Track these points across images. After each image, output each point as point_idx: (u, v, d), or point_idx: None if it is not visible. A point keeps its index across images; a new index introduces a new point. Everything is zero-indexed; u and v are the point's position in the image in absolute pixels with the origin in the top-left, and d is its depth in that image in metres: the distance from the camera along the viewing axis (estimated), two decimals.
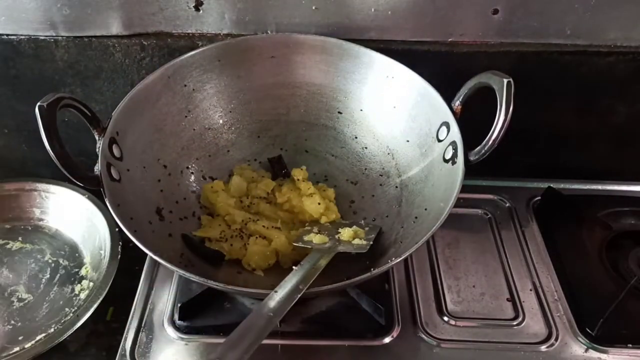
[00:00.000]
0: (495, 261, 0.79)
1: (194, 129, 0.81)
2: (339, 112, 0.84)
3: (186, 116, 0.80)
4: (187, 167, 0.80)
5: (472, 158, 0.65)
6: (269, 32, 0.81)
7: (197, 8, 0.79)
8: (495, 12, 0.78)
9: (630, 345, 0.69)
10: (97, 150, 0.65)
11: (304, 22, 0.80)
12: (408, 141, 0.77)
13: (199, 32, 0.82)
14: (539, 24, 0.79)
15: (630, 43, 0.81)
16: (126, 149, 0.69)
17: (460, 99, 0.69)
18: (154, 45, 0.82)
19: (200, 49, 0.78)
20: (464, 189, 0.63)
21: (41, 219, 0.86)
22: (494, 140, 0.63)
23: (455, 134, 0.67)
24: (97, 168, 0.64)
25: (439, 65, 0.76)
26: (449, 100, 0.70)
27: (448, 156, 0.68)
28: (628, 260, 0.76)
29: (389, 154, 0.80)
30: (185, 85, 0.78)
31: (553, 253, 0.80)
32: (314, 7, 0.79)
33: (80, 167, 0.62)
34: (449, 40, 0.81)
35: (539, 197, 0.88)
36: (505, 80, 0.62)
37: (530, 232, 0.83)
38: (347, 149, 0.84)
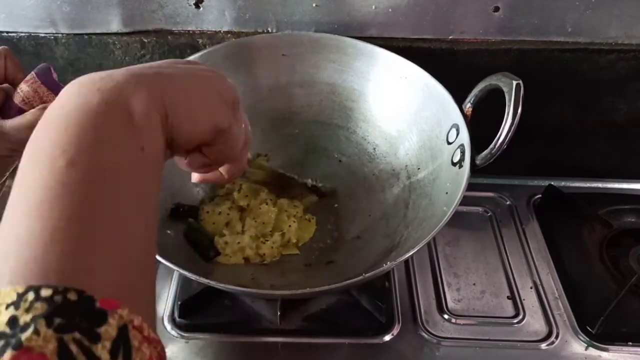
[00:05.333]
0: (495, 259, 0.79)
1: None
2: (352, 112, 0.83)
3: None
4: None
5: (478, 162, 0.65)
6: (269, 29, 0.81)
7: (197, 5, 0.79)
8: (496, 9, 0.78)
9: (631, 344, 0.69)
10: None
11: (304, 20, 0.80)
12: (418, 142, 0.77)
13: (199, 29, 0.82)
14: (540, 22, 0.79)
15: (632, 41, 0.80)
16: None
17: (471, 101, 0.68)
18: (154, 43, 0.82)
19: (214, 47, 0.78)
20: None
21: None
22: (501, 144, 0.63)
23: (465, 137, 0.67)
24: None
25: (439, 63, 0.76)
26: (456, 101, 0.69)
27: (456, 159, 0.68)
28: (628, 258, 0.76)
29: (399, 155, 0.80)
30: None
31: (553, 251, 0.80)
32: (314, 5, 0.78)
33: None
34: (450, 37, 0.81)
35: (540, 195, 0.88)
36: (515, 82, 0.62)
37: (531, 230, 0.83)
38: (359, 149, 0.83)
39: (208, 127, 0.40)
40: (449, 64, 0.81)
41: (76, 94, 0.33)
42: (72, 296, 0.26)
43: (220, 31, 0.82)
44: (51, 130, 0.32)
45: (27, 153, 0.32)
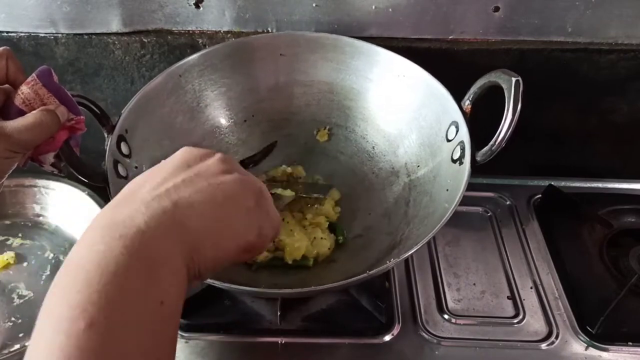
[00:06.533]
0: (495, 259, 0.79)
1: (205, 127, 0.81)
2: (350, 111, 0.83)
3: (197, 114, 0.80)
4: None
5: (479, 159, 0.65)
6: (269, 29, 0.81)
7: (197, 5, 0.79)
8: (496, 9, 0.78)
9: (631, 344, 0.69)
10: (105, 147, 0.66)
11: (304, 19, 0.80)
12: (418, 140, 0.77)
13: (199, 29, 0.82)
14: (540, 22, 0.79)
15: (632, 41, 0.80)
16: (135, 146, 0.69)
17: (470, 98, 0.68)
18: (154, 43, 0.82)
19: (211, 48, 0.78)
20: None
21: (41, 215, 0.86)
22: (501, 140, 0.63)
23: (464, 134, 0.67)
24: (104, 165, 0.64)
25: (439, 63, 0.76)
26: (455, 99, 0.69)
27: (456, 156, 0.68)
28: (629, 258, 0.76)
29: (398, 153, 0.80)
30: (197, 84, 0.78)
31: (554, 251, 0.80)
32: (314, 4, 0.78)
33: (85, 163, 0.62)
34: (450, 37, 0.81)
35: (540, 195, 0.88)
36: (514, 79, 0.62)
37: (531, 230, 0.83)
38: (358, 148, 0.84)
39: (234, 250, 0.39)
40: (448, 64, 0.81)
41: (99, 242, 0.33)
42: None
43: (220, 31, 0.82)
44: (73, 284, 0.32)
45: (47, 304, 0.32)
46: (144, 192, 0.37)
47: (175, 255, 0.35)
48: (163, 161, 0.42)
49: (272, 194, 0.69)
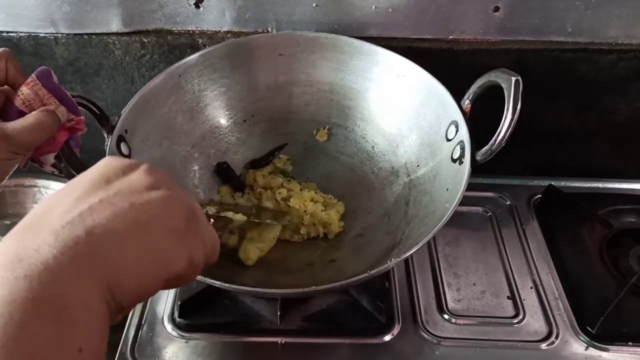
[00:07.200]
0: (495, 259, 0.79)
1: (205, 127, 0.81)
2: (350, 111, 0.83)
3: (197, 114, 0.80)
4: (197, 165, 0.80)
5: (478, 158, 0.65)
6: (269, 29, 0.81)
7: (197, 5, 0.79)
8: (496, 9, 0.78)
9: (631, 344, 0.69)
10: (105, 147, 0.66)
11: (304, 20, 0.80)
12: (417, 140, 0.77)
13: (199, 29, 0.82)
14: (540, 22, 0.79)
15: (632, 41, 0.80)
16: (134, 147, 0.69)
17: (469, 98, 0.69)
18: (154, 43, 0.82)
19: (211, 48, 0.78)
20: None
21: None
22: (501, 140, 0.63)
23: (464, 133, 0.67)
24: None
25: (439, 63, 0.76)
26: (455, 98, 0.69)
27: (456, 156, 0.68)
28: (629, 258, 0.76)
29: (398, 152, 0.80)
30: (196, 84, 0.78)
31: (554, 251, 0.80)
32: (314, 5, 0.78)
33: (85, 164, 0.62)
34: (450, 37, 0.81)
35: (540, 195, 0.88)
36: (514, 79, 0.62)
37: (531, 229, 0.83)
38: (357, 148, 0.84)
39: (161, 282, 0.35)
40: (449, 64, 0.81)
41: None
42: None
43: (220, 31, 0.82)
44: None
45: None
46: (55, 217, 0.32)
47: (91, 294, 0.30)
48: (79, 175, 0.36)
49: (222, 217, 0.69)
